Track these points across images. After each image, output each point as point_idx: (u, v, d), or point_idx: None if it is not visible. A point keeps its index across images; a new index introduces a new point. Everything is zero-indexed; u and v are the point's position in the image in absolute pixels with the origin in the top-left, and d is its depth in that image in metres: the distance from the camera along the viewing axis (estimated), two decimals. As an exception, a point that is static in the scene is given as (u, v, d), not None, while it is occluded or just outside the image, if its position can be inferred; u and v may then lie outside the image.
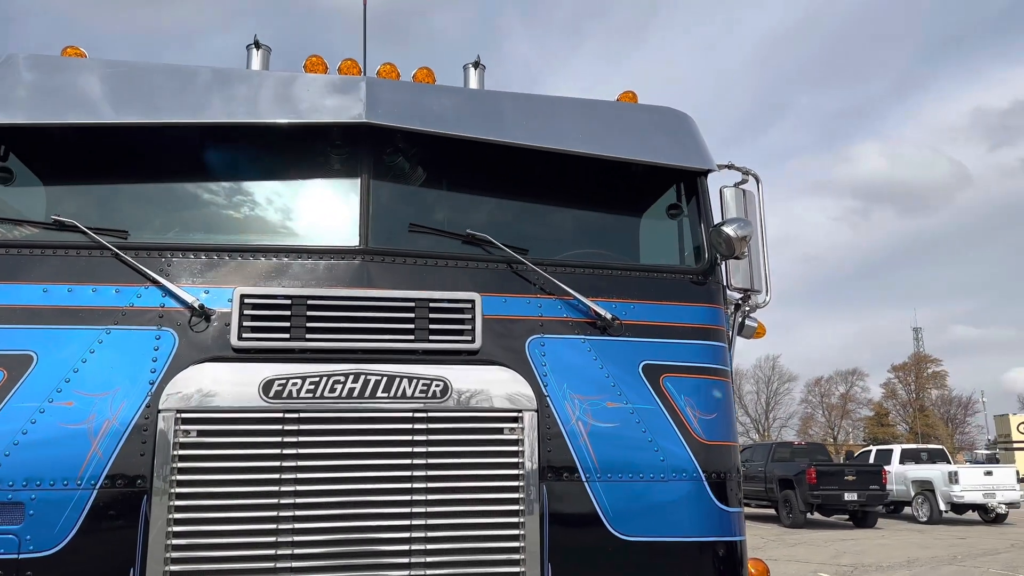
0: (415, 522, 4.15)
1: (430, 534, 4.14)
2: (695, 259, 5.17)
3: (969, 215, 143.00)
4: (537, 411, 4.37)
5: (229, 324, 4.29)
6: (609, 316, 4.64)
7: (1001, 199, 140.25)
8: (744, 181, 5.60)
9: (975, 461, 35.30)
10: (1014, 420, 60.38)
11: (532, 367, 4.49)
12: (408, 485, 4.18)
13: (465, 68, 5.54)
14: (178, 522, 3.96)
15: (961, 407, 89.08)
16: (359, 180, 4.66)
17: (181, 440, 4.05)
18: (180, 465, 4.02)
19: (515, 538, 4.22)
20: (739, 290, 5.40)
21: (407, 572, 4.09)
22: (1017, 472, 28.54)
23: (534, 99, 5.10)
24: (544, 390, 4.46)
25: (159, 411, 4.08)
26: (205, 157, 4.79)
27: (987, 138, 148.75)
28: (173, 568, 3.91)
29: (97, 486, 3.97)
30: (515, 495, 4.27)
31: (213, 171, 4.78)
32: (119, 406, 4.09)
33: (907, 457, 30.31)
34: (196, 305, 4.24)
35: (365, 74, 5.10)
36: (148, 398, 4.12)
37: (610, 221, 5.43)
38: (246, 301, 4.29)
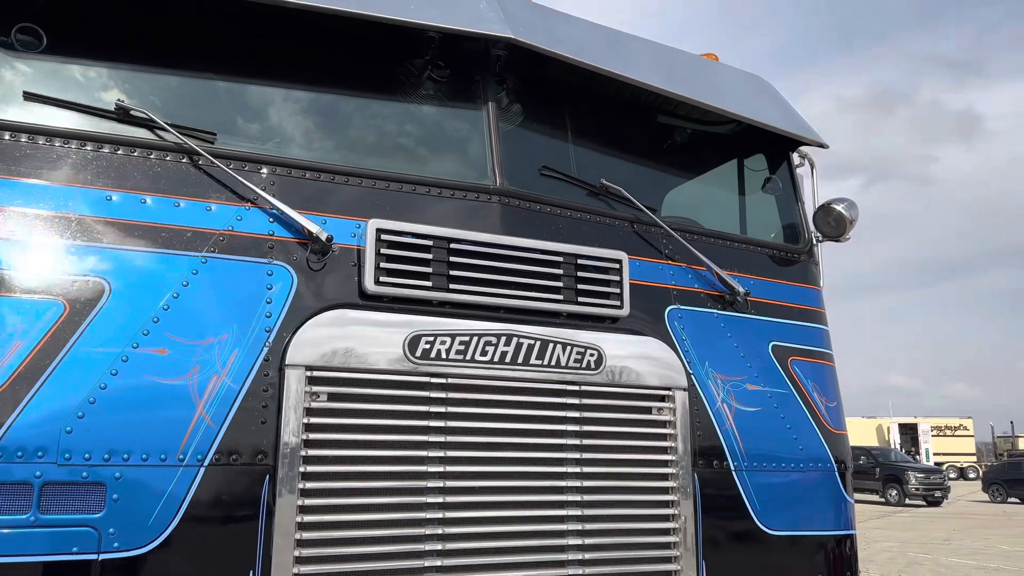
0: (570, 512, 3.53)
1: (586, 526, 3.54)
2: (789, 238, 4.90)
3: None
4: (688, 390, 3.90)
5: (358, 264, 3.43)
6: (742, 290, 4.26)
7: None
8: (800, 165, 5.44)
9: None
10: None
11: (673, 341, 4.01)
12: (560, 469, 3.56)
13: None
14: (307, 509, 3.08)
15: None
16: (486, 108, 3.92)
17: (310, 405, 3.16)
18: (309, 437, 3.14)
19: (668, 531, 3.73)
20: None
21: (563, 571, 3.47)
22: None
23: (653, 44, 4.59)
24: (688, 367, 3.99)
25: (285, 366, 3.16)
26: (303, 51, 3.81)
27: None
28: (303, 569, 3.03)
29: (205, 462, 2.98)
30: (667, 483, 3.77)
31: (311, 73, 3.82)
32: (229, 357, 3.12)
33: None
34: (323, 237, 3.33)
35: None
36: (266, 349, 3.18)
37: (704, 189, 5.05)
38: (382, 237, 3.44)
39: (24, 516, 2.72)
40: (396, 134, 4.00)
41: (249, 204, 3.35)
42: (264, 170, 3.43)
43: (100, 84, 3.46)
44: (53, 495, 2.77)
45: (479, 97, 3.95)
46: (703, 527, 3.80)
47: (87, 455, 2.82)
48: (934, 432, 62.51)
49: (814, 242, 4.86)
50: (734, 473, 3.96)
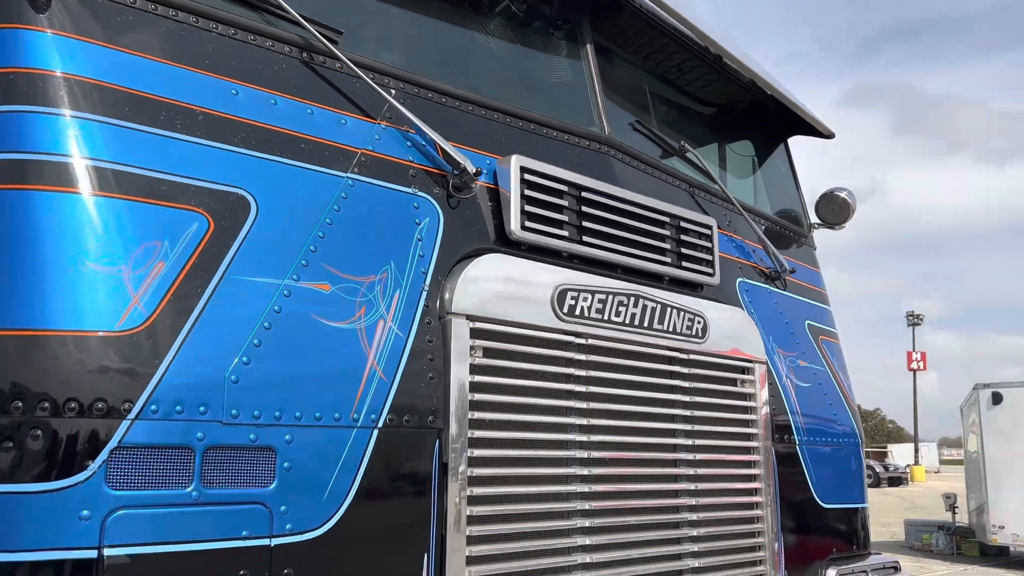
0: (682, 486, 3.34)
1: (699, 501, 3.36)
2: (790, 221, 5.00)
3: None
4: (767, 363, 3.84)
5: (498, 205, 3.00)
6: (789, 268, 4.29)
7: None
8: None
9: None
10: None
11: (746, 313, 3.93)
12: (673, 440, 3.36)
13: None
14: (475, 481, 2.64)
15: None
16: (585, 50, 3.62)
17: (473, 360, 2.70)
18: (474, 397, 2.68)
19: (754, 505, 3.65)
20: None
21: (679, 547, 3.28)
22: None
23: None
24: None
25: (449, 314, 2.67)
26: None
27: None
28: (474, 551, 2.59)
29: (378, 423, 2.44)
30: (751, 456, 3.68)
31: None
32: (392, 300, 2.58)
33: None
34: (471, 170, 2.86)
35: None
36: (424, 293, 2.68)
37: (737, 170, 4.99)
38: (526, 177, 3.03)
39: (185, 491, 2.06)
40: (490, 67, 3.58)
41: (385, 123, 2.81)
42: (392, 86, 2.89)
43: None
44: (217, 463, 2.13)
45: (577, 38, 3.63)
46: (779, 501, 3.76)
47: (256, 412, 2.20)
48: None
49: (813, 227, 5.01)
50: (797, 447, 3.96)
